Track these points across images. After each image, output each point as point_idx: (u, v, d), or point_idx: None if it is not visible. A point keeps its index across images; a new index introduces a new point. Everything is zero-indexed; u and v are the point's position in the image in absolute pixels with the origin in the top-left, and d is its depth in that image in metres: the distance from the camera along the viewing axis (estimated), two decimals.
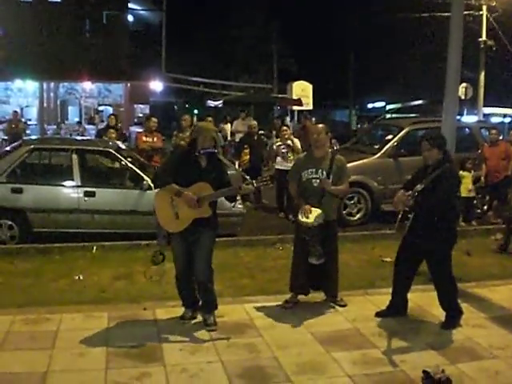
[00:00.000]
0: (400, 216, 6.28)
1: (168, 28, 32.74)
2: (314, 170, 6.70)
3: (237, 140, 16.23)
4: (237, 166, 12.74)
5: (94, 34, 28.67)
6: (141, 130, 13.36)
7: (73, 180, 9.74)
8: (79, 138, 18.36)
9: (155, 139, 12.16)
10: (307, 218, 6.55)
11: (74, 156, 9.85)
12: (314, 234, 6.55)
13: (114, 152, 10.14)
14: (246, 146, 13.79)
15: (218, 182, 6.06)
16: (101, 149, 10.53)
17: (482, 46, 26.30)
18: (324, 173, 6.66)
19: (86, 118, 29.78)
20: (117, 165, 10.42)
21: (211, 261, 6.22)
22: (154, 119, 12.54)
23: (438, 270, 6.30)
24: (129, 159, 10.22)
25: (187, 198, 5.93)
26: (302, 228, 6.62)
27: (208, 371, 5.22)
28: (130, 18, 33.04)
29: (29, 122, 25.92)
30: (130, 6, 32.21)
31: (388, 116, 33.65)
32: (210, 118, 14.35)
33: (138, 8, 33.79)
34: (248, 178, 6.18)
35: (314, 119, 22.40)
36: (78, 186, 9.69)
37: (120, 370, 5.23)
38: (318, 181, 6.67)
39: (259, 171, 13.60)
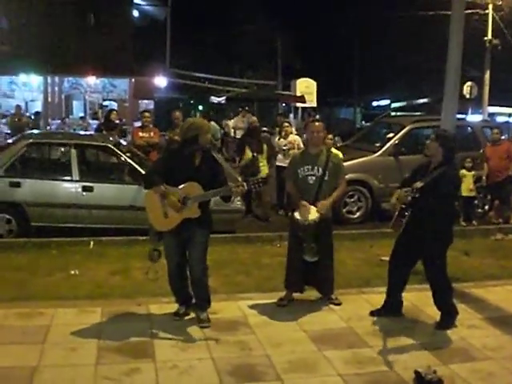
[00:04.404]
0: (397, 213, 6.23)
1: (173, 24, 32.67)
2: (310, 167, 6.66)
3: (238, 136, 16.14)
4: (237, 163, 12.68)
5: (99, 28, 28.57)
6: (137, 125, 13.33)
7: (71, 175, 9.75)
8: (79, 132, 18.32)
9: (152, 134, 12.05)
10: (307, 215, 6.51)
11: (73, 151, 9.85)
12: (309, 231, 6.53)
13: (112, 147, 10.11)
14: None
15: (212, 181, 5.99)
16: (99, 144, 10.51)
17: (488, 44, 26.22)
18: (320, 170, 6.63)
19: (91, 113, 29.71)
20: (115, 160, 10.38)
21: (206, 258, 6.19)
22: (147, 114, 12.49)
23: (432, 270, 6.25)
24: (128, 154, 10.19)
25: (170, 202, 5.90)
26: (297, 225, 6.59)
27: (198, 368, 5.19)
28: (136, 13, 32.93)
29: (33, 117, 25.87)
30: (136, 1, 32.10)
31: (392, 114, 33.58)
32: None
33: (144, 3, 33.67)
34: (240, 179, 6.11)
35: (317, 116, 22.35)
36: (76, 181, 9.69)
37: (110, 365, 5.20)
38: (313, 178, 6.64)
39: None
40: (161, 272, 6.51)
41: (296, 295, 6.97)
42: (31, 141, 10.14)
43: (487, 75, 26.54)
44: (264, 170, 12.12)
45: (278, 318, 6.43)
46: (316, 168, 6.66)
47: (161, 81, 29.96)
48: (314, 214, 6.51)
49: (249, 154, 12.20)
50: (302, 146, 12.15)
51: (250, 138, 12.68)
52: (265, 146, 12.55)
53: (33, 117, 23.75)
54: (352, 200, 12.17)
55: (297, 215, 6.60)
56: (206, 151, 6.13)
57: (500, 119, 32.43)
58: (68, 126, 25.06)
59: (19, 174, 9.77)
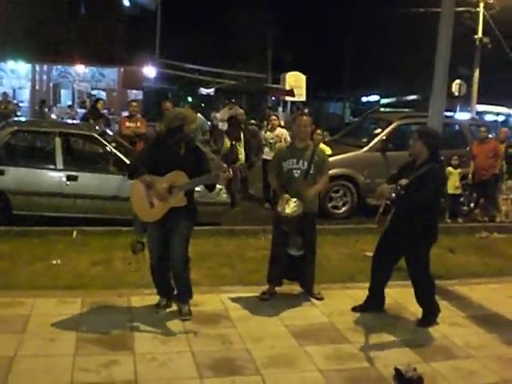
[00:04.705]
0: (381, 209, 6.20)
1: (163, 14, 32.48)
2: (295, 160, 6.63)
3: (224, 129, 16.06)
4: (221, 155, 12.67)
5: (89, 17, 28.39)
6: (125, 115, 13.25)
7: (55, 163, 9.64)
8: (66, 121, 18.20)
9: (139, 124, 11.99)
10: (286, 208, 6.47)
11: (58, 139, 9.74)
12: (293, 224, 6.49)
13: (97, 136, 10.02)
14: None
15: (197, 170, 5.94)
16: (84, 133, 10.43)
17: (478, 43, 26.25)
18: (305, 163, 6.59)
19: (79, 102, 29.55)
20: (100, 149, 10.30)
21: (187, 250, 6.13)
22: (134, 103, 12.43)
23: (415, 267, 6.23)
24: (113, 144, 10.10)
25: (156, 192, 5.84)
26: (281, 219, 6.55)
27: (177, 361, 5.13)
28: (126, 2, 32.74)
29: (20, 104, 25.72)
30: None
31: (382, 110, 33.61)
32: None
33: None
34: (225, 165, 6.06)
35: (306, 110, 22.28)
36: (61, 170, 9.59)
37: (88, 356, 5.14)
38: (299, 172, 6.60)
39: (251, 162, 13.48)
40: (143, 263, 6.45)
41: (279, 289, 6.92)
42: (16, 128, 10.04)
43: (476, 73, 26.58)
44: (241, 158, 12.10)
45: (259, 312, 6.38)
46: (301, 162, 6.62)
47: (150, 71, 29.84)
48: (296, 206, 6.47)
49: (227, 142, 12.18)
50: (288, 139, 12.10)
51: (233, 128, 12.66)
52: (242, 134, 12.52)
53: (28, 105, 23.64)
54: (338, 195, 12.14)
55: (279, 208, 6.56)
56: (190, 141, 6.09)
57: (488, 118, 32.51)
58: (56, 114, 24.94)
59: (3, 161, 9.65)
